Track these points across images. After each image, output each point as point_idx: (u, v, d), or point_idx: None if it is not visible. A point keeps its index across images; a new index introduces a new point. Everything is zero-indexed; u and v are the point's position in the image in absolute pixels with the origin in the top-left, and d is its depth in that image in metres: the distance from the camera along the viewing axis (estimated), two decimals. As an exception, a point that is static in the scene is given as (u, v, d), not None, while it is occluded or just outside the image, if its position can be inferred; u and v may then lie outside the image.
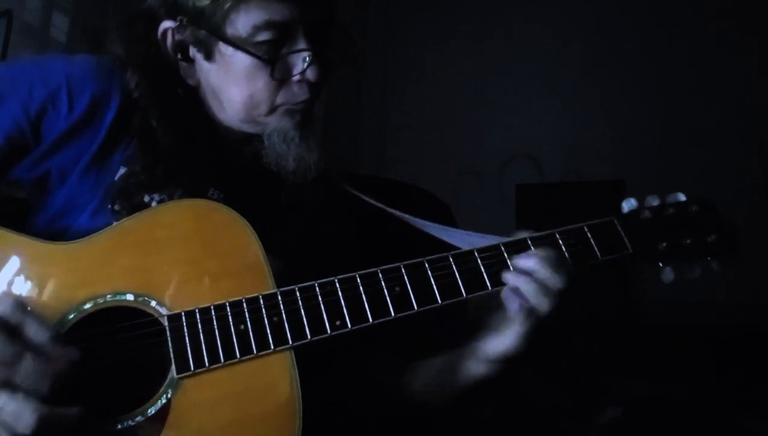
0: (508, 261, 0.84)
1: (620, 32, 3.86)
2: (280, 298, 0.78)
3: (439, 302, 0.82)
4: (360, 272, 0.81)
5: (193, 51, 0.91)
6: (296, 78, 0.89)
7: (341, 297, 0.79)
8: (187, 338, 0.74)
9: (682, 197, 0.91)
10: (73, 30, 2.44)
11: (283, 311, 0.77)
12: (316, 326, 0.77)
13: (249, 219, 0.82)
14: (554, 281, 0.81)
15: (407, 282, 0.81)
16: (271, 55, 0.87)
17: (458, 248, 0.86)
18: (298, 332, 0.77)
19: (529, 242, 0.86)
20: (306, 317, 0.77)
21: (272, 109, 0.90)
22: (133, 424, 0.72)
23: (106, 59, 0.91)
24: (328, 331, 0.78)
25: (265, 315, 0.76)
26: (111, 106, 0.87)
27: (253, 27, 0.85)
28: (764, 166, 3.40)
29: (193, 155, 0.90)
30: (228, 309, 0.76)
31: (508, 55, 4.16)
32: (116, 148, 0.88)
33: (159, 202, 0.86)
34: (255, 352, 0.75)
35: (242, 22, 0.85)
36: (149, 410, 0.73)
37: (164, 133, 0.88)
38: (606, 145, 3.80)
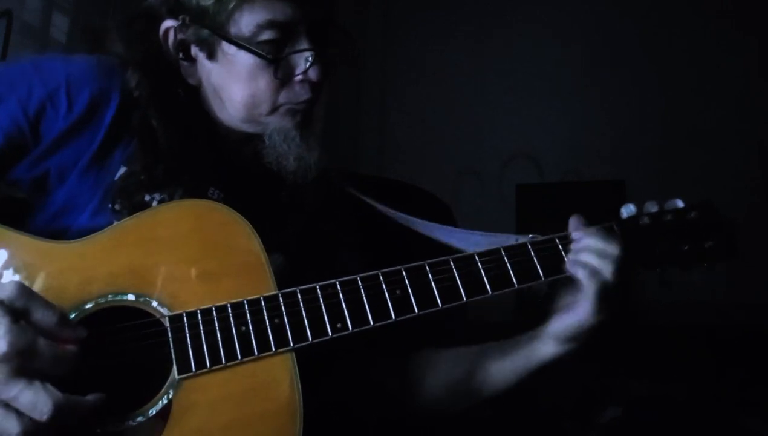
0: (508, 265, 0.85)
1: (620, 32, 3.85)
2: (281, 299, 0.78)
3: (440, 305, 0.82)
4: (361, 275, 0.81)
5: (194, 50, 0.91)
6: (298, 78, 0.89)
7: (342, 299, 0.79)
8: (188, 339, 0.74)
9: (681, 204, 0.93)
10: (73, 30, 2.43)
11: (284, 313, 0.77)
12: (318, 328, 0.78)
13: (249, 219, 0.82)
14: (609, 248, 0.85)
15: (408, 285, 0.82)
16: (274, 55, 0.87)
17: (459, 250, 0.86)
18: (299, 333, 0.77)
19: (529, 246, 0.87)
20: (307, 319, 0.77)
21: (274, 109, 0.91)
22: (134, 424, 0.72)
23: (106, 58, 0.91)
24: (329, 333, 0.78)
25: (266, 317, 0.76)
26: (110, 105, 0.87)
27: (257, 26, 0.85)
28: (764, 166, 3.40)
29: (193, 155, 0.90)
30: (229, 310, 0.76)
31: (508, 55, 4.15)
32: (116, 147, 0.88)
33: (159, 201, 0.86)
34: (256, 353, 0.75)
35: (246, 22, 0.85)
36: (150, 411, 0.72)
37: (164, 132, 0.88)
38: (606, 145, 3.80)
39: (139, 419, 0.72)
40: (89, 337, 0.72)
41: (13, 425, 0.62)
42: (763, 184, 3.38)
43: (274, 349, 0.75)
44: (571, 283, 0.86)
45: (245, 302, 0.77)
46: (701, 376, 2.47)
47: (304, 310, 0.78)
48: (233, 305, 0.76)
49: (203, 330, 0.75)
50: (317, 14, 0.89)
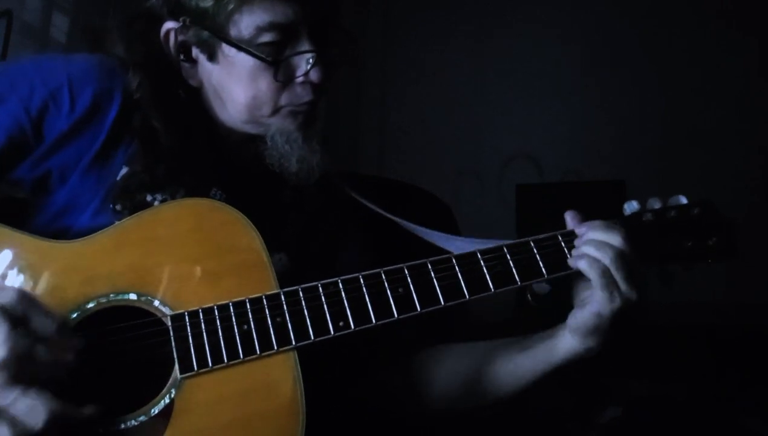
0: (511, 263, 0.85)
1: (620, 32, 3.85)
2: (283, 298, 0.78)
3: (442, 303, 0.82)
4: (363, 273, 0.81)
5: (195, 52, 0.91)
6: (299, 79, 0.89)
7: (344, 298, 0.79)
8: (190, 338, 0.74)
9: (684, 200, 0.92)
10: (73, 30, 2.43)
11: (286, 312, 0.77)
12: (320, 326, 0.78)
13: (251, 219, 0.82)
14: (609, 237, 0.84)
15: (410, 283, 0.81)
16: (274, 57, 0.87)
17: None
18: (301, 332, 0.77)
19: (532, 244, 0.86)
20: (309, 318, 0.77)
21: (275, 111, 0.91)
22: (136, 424, 0.72)
23: (108, 58, 0.90)
24: (332, 332, 0.78)
25: (268, 315, 0.76)
26: (113, 105, 0.87)
27: (257, 28, 0.85)
28: (764, 166, 3.40)
29: (194, 155, 0.90)
30: (231, 309, 0.76)
31: (508, 55, 4.15)
32: (118, 147, 0.88)
33: (161, 201, 0.86)
34: (258, 352, 0.75)
35: (245, 24, 0.85)
36: (152, 410, 0.73)
37: (166, 133, 0.88)
38: (606, 145, 3.80)
39: (141, 418, 0.72)
40: (91, 336, 0.72)
41: (6, 432, 0.62)
42: (763, 184, 3.38)
43: (276, 348, 0.76)
44: (584, 279, 0.85)
45: (247, 300, 0.77)
46: (701, 376, 2.47)
47: (306, 308, 0.78)
48: (235, 304, 0.76)
49: (205, 329, 0.75)
50: (318, 15, 0.89)
